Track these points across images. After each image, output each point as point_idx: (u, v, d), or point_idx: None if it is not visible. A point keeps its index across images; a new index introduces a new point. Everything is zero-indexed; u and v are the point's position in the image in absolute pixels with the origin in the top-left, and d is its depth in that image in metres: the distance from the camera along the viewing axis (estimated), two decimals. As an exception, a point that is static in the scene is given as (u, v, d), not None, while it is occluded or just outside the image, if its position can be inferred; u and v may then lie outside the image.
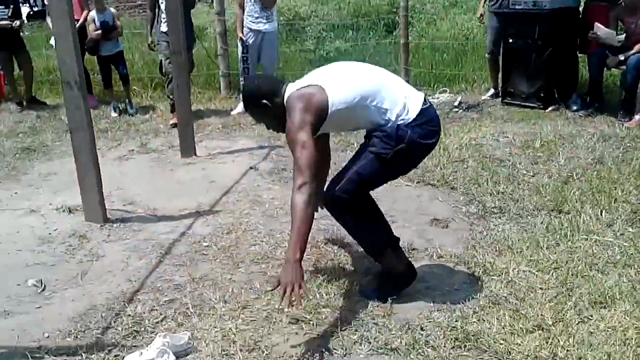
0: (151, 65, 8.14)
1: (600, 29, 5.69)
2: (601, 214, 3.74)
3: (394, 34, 8.95)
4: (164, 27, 6.60)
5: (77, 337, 2.70)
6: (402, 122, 2.70)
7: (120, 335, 2.68)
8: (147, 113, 7.05)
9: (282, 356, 2.47)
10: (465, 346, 2.48)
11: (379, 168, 2.74)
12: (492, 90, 6.75)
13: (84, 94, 3.73)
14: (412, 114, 2.71)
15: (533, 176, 4.48)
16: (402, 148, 2.70)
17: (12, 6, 7.28)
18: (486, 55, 6.74)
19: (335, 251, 3.39)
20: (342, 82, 2.75)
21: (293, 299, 2.40)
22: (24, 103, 7.48)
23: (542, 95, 6.01)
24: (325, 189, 2.83)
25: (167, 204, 4.23)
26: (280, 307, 2.70)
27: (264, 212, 4.01)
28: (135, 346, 2.59)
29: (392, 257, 2.90)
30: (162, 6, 6.56)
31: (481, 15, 6.96)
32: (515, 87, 6.21)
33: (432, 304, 2.83)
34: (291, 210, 2.52)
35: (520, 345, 2.45)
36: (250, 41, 6.55)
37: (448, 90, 7.02)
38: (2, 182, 4.84)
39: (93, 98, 7.26)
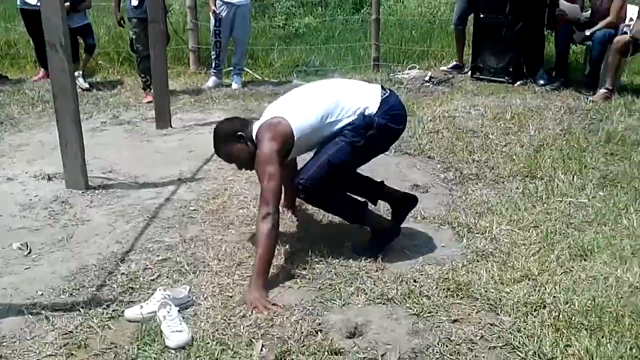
0: (117, 39, 8.00)
1: (565, 4, 5.86)
2: (573, 179, 3.90)
3: (361, 11, 9.02)
4: (134, 1, 6.50)
5: (72, 294, 2.69)
6: (367, 114, 2.84)
7: (117, 292, 2.69)
8: (114, 88, 6.94)
9: (283, 307, 2.52)
10: (457, 295, 2.59)
11: (350, 155, 2.86)
12: (454, 63, 6.90)
13: (68, 57, 3.66)
14: (374, 106, 2.86)
15: (505, 145, 4.63)
16: (372, 134, 2.84)
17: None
18: (452, 26, 6.86)
19: (324, 213, 3.45)
20: (302, 108, 2.88)
21: (262, 312, 2.48)
22: (-15, 77, 7.26)
23: (510, 70, 6.17)
24: (295, 180, 2.88)
25: (148, 171, 4.21)
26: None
27: (247, 178, 4.02)
28: (132, 302, 2.60)
29: (373, 217, 3.07)
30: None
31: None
32: (484, 62, 6.36)
33: (421, 259, 2.93)
34: (256, 237, 2.70)
35: (510, 293, 2.57)
36: (223, 14, 6.51)
37: (417, 66, 7.13)
38: (-29, 153, 4.72)
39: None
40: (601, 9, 5.79)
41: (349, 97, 2.90)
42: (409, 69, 7.07)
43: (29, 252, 3.11)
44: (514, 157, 4.33)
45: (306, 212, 3.48)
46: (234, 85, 6.71)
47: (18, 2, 7.03)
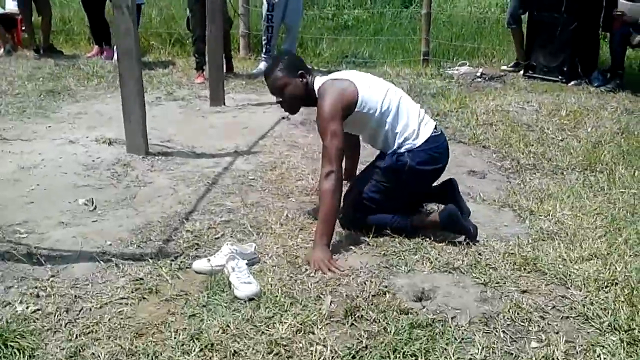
0: (169, 21, 8.13)
1: (625, 5, 5.76)
2: (634, 174, 3.82)
3: (410, 8, 9.01)
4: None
5: (139, 246, 2.74)
6: (408, 146, 2.80)
7: (182, 247, 2.73)
8: (166, 67, 7.02)
9: (348, 269, 2.53)
10: (525, 269, 2.56)
11: (381, 195, 2.84)
12: (514, 61, 6.82)
13: (134, 19, 3.74)
14: (420, 140, 2.81)
15: (562, 140, 4.56)
16: (401, 178, 2.81)
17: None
18: (507, 27, 6.79)
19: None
20: (372, 86, 2.85)
21: (325, 273, 2.49)
22: (41, 51, 7.41)
23: (564, 69, 6.09)
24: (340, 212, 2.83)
25: (205, 143, 4.26)
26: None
27: (303, 154, 4.06)
28: (198, 256, 2.63)
29: (427, 224, 2.89)
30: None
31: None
32: (537, 61, 6.29)
33: (485, 235, 2.90)
34: (319, 196, 2.67)
35: (579, 269, 2.53)
36: (276, 0, 6.55)
37: (468, 63, 7.08)
38: (32, 118, 4.82)
39: (111, 50, 7.26)
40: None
41: (410, 113, 2.85)
42: (459, 65, 7.03)
43: (95, 208, 3.17)
44: (572, 150, 4.26)
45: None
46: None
47: None
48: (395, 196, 2.86)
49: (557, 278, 2.48)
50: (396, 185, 2.84)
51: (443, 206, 2.90)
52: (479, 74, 6.48)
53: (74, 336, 2.07)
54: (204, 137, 4.39)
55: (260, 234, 2.87)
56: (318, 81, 2.86)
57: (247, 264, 2.50)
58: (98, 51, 7.47)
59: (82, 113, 4.99)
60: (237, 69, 6.92)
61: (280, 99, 2.92)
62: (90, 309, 2.23)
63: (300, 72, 2.84)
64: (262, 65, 6.80)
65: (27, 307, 2.23)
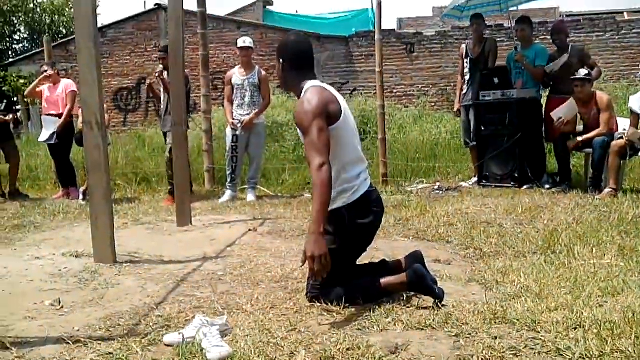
0: (135, 162, 8.40)
1: (557, 112, 6.26)
2: (593, 251, 3.96)
3: (364, 141, 9.52)
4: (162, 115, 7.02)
5: (108, 330, 2.69)
6: (344, 201, 2.92)
7: (152, 328, 2.68)
8: (132, 202, 7.15)
9: (324, 333, 2.51)
10: (495, 322, 2.59)
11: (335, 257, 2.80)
12: (474, 179, 7.17)
13: (103, 135, 3.91)
14: (361, 190, 2.96)
15: (520, 232, 4.72)
16: (344, 234, 2.92)
17: (5, 101, 7.57)
18: (465, 146, 7.24)
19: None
20: (350, 119, 3.03)
21: (317, 269, 2.60)
22: (7, 195, 7.52)
23: (516, 175, 6.45)
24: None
25: (173, 253, 4.29)
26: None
27: (271, 254, 4.11)
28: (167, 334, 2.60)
29: (394, 284, 2.91)
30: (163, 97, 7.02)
31: (458, 110, 7.54)
32: (489, 171, 6.66)
33: (453, 300, 2.93)
34: (313, 188, 2.71)
35: (547, 318, 2.58)
36: (239, 132, 6.91)
37: (425, 180, 7.42)
38: (-3, 247, 4.80)
39: (77, 191, 7.43)
40: (590, 121, 6.23)
41: (358, 168, 2.98)
42: (417, 183, 7.35)
43: (61, 307, 3.11)
44: (531, 238, 4.41)
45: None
46: (250, 197, 6.93)
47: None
48: (343, 256, 2.89)
49: (526, 325, 2.52)
50: (341, 245, 2.88)
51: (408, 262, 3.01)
52: (436, 187, 6.78)
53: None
54: (172, 248, 4.42)
55: (232, 313, 2.85)
56: (311, 83, 2.95)
57: (218, 331, 2.47)
58: (64, 193, 7.61)
59: (48, 239, 4.98)
60: (202, 201, 7.11)
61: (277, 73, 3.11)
62: (58, 382, 2.16)
63: (299, 63, 2.99)
64: (227, 195, 7.00)
65: (-10, 385, 2.14)
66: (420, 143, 8.69)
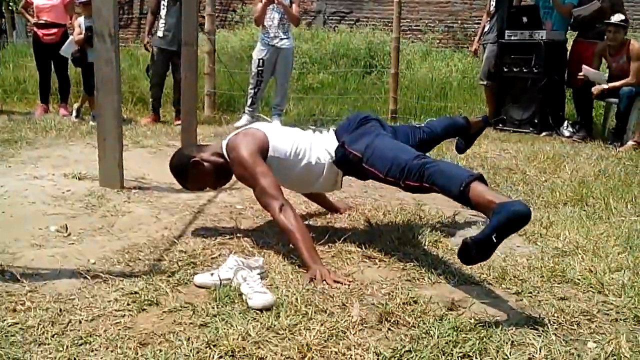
0: (131, 81, 7.96)
1: (589, 71, 5.97)
2: (627, 206, 3.76)
3: (372, 74, 9.15)
4: (160, 33, 6.57)
5: (128, 264, 2.43)
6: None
7: (178, 265, 2.43)
8: (129, 124, 6.78)
9: (372, 283, 2.28)
10: (554, 280, 2.38)
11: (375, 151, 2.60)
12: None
13: (116, 48, 3.55)
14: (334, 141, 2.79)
15: (546, 181, 4.51)
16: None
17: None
18: (480, 83, 6.92)
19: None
20: (279, 132, 2.81)
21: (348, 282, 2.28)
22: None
23: (535, 121, 6.19)
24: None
25: (182, 181, 3.99)
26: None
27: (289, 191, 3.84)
28: (196, 273, 2.34)
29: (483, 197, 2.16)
30: (163, 12, 6.55)
31: (475, 50, 7.20)
32: (507, 114, 6.38)
33: (500, 254, 2.70)
34: (285, 233, 2.48)
35: (612, 279, 2.38)
36: (266, 57, 6.54)
37: (436, 120, 7.11)
38: (-11, 163, 4.46)
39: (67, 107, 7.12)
40: (615, 71, 5.95)
41: (319, 142, 2.82)
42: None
43: (69, 234, 2.84)
44: (559, 189, 4.19)
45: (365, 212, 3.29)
46: (276, 123, 6.64)
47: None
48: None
49: (592, 287, 2.30)
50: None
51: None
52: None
53: (64, 347, 1.73)
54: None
55: (262, 254, 2.60)
56: (225, 142, 2.77)
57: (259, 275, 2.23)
58: (43, 110, 7.24)
59: (43, 157, 4.64)
60: (203, 127, 6.77)
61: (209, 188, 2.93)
62: (80, 322, 1.90)
63: (192, 162, 2.78)
64: (244, 119, 6.70)
65: (2, 321, 1.88)
66: (430, 81, 8.34)
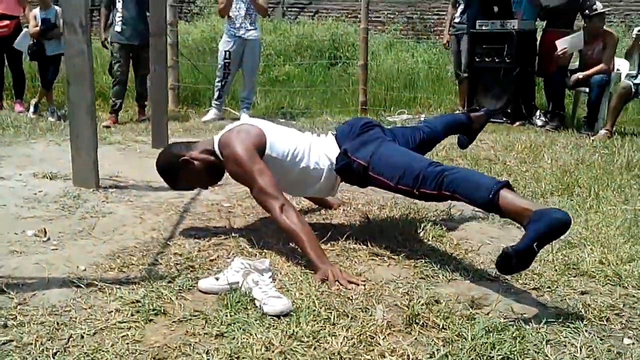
0: (96, 74, 7.61)
1: (563, 41, 5.96)
2: (615, 195, 3.76)
3: (337, 65, 9.04)
4: (117, 28, 6.31)
5: (121, 270, 2.25)
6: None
7: (176, 270, 2.26)
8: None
9: (387, 283, 2.16)
10: (569, 273, 2.32)
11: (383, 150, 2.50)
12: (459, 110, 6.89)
13: (88, 39, 3.33)
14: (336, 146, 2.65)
15: (526, 171, 4.49)
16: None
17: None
18: (456, 78, 6.89)
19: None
20: (278, 129, 2.67)
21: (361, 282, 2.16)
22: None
23: (508, 111, 6.19)
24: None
25: (159, 178, 3.78)
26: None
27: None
28: (198, 278, 2.18)
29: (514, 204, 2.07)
30: (119, 5, 6.29)
31: (447, 42, 7.16)
32: (480, 105, 6.36)
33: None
34: (288, 234, 2.36)
35: (627, 271, 2.33)
36: (233, 49, 6.35)
37: (406, 111, 7.07)
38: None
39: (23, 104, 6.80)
40: (590, 60, 5.99)
41: (318, 146, 2.67)
42: (398, 113, 7.00)
43: (48, 239, 2.62)
44: (542, 179, 4.17)
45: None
46: (244, 119, 6.45)
47: None
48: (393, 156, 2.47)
49: (609, 280, 2.25)
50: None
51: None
52: (422, 119, 6.44)
53: (70, 366, 1.56)
54: (155, 172, 3.90)
55: (264, 254, 2.46)
56: (217, 139, 2.60)
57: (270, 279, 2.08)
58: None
59: (5, 156, 4.34)
60: (170, 123, 6.53)
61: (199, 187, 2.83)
62: (82, 336, 1.72)
63: (181, 161, 2.62)
64: (212, 113, 6.52)
65: (-6, 340, 1.69)
66: (397, 72, 8.28)
